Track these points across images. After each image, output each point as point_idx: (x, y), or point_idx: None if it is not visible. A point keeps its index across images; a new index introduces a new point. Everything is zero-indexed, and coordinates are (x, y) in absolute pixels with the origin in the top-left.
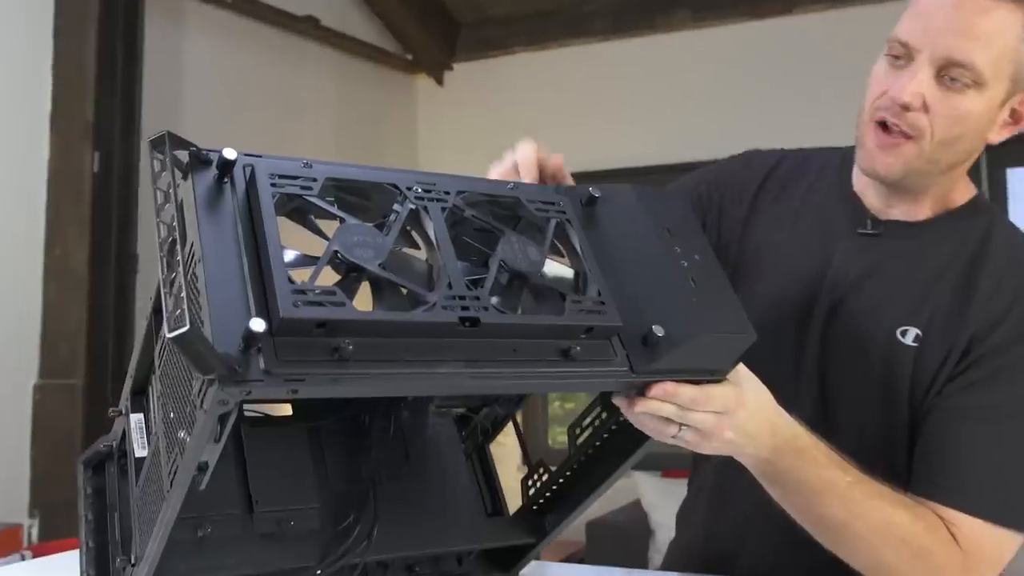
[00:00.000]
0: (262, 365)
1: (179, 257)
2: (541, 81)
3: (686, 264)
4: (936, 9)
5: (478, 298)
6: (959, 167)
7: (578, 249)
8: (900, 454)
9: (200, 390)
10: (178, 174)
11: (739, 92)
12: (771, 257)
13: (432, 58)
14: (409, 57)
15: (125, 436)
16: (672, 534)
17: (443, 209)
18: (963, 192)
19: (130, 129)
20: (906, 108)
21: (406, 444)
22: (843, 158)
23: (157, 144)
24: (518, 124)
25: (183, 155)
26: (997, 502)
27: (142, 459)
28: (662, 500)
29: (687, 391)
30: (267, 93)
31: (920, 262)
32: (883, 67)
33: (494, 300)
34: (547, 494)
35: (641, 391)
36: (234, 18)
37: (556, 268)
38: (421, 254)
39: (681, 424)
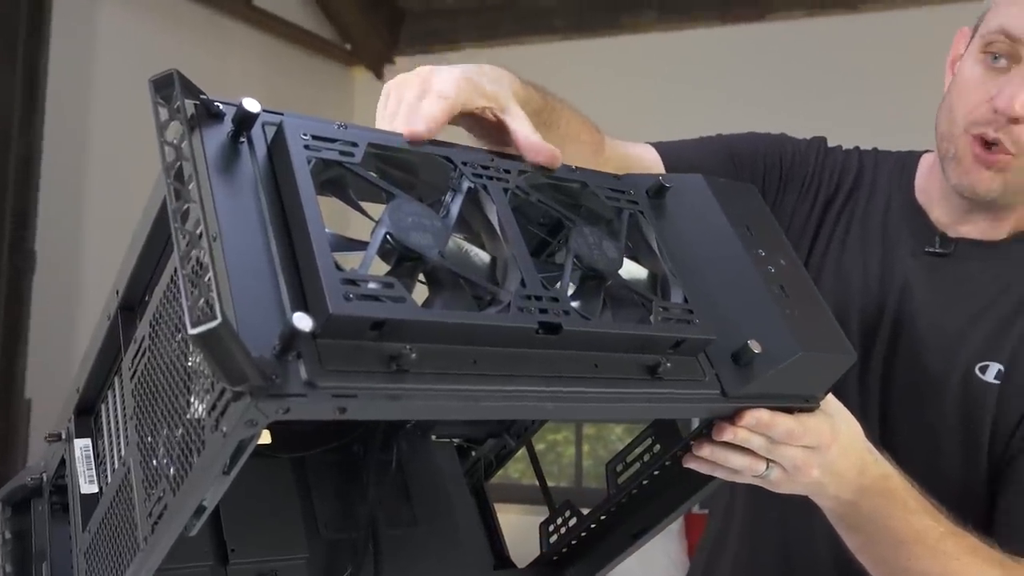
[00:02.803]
0: (304, 375)
1: (200, 230)
2: None
3: (773, 270)
4: None
5: (557, 300)
6: None
7: (654, 247)
8: (977, 504)
9: (216, 406)
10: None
11: (705, 98)
12: (832, 268)
13: (372, 49)
14: (348, 47)
15: (64, 466)
16: None
17: (505, 190)
18: None
19: (32, 109)
20: (1016, 121)
21: (406, 481)
22: (904, 164)
23: (162, 86)
24: None
25: (188, 105)
26: None
27: (91, 496)
28: None
29: (784, 421)
30: (189, 76)
31: (998, 289)
32: (977, 69)
33: (574, 304)
34: (573, 542)
35: (727, 418)
36: None
37: (628, 267)
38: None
39: (769, 461)
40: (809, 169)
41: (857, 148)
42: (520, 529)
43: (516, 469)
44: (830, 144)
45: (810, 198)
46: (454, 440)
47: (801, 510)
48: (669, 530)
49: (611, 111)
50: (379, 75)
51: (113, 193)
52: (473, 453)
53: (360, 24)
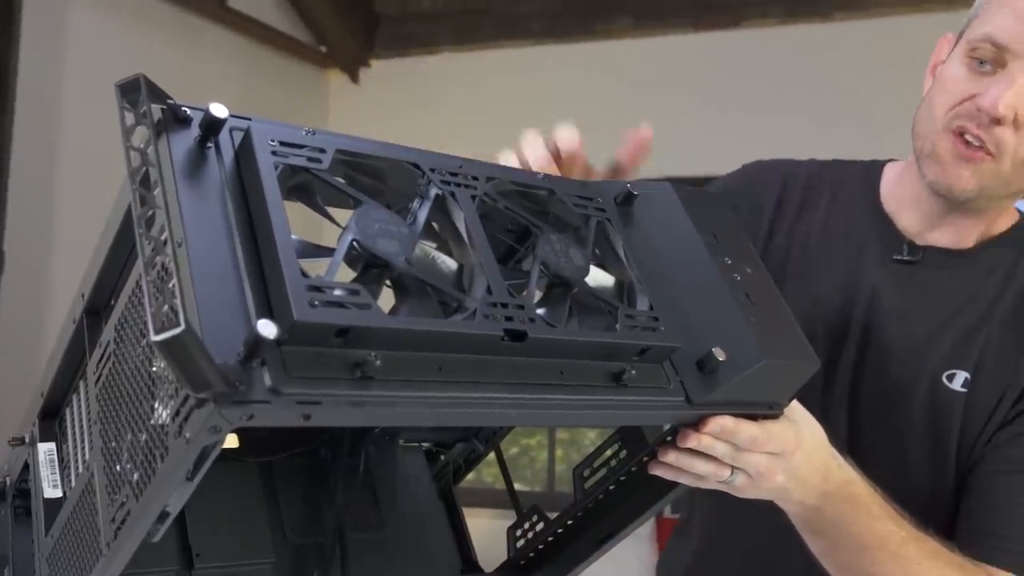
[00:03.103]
0: (268, 382)
1: (164, 236)
2: (468, 85)
3: (738, 277)
4: None
5: (522, 307)
6: (1022, 193)
7: (621, 254)
8: (944, 511)
9: (179, 412)
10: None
11: (679, 104)
12: (794, 280)
13: (348, 52)
14: (323, 49)
15: (28, 470)
16: None
17: (472, 197)
18: (1007, 217)
19: (1, 109)
20: (998, 122)
21: (374, 485)
22: (867, 173)
23: (128, 90)
24: (440, 130)
25: (155, 110)
26: None
27: (55, 500)
28: None
29: (748, 428)
30: (161, 77)
31: (966, 297)
32: (962, 70)
33: (539, 311)
34: (540, 547)
35: (691, 425)
36: None
37: (595, 275)
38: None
39: (733, 467)
40: (748, 195)
41: (812, 159)
42: (491, 533)
43: (489, 473)
44: (796, 153)
45: (759, 214)
46: (423, 444)
47: (769, 514)
48: (640, 534)
49: (585, 116)
50: (354, 78)
51: (83, 194)
52: (442, 457)
53: (335, 27)
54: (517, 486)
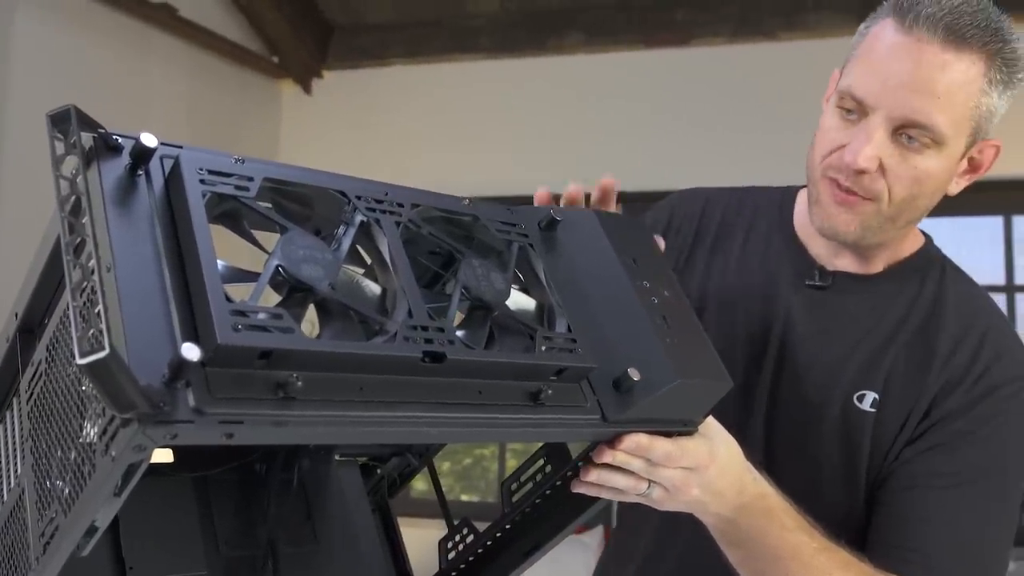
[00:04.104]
0: (192, 403)
1: (92, 263)
2: (419, 97)
3: (656, 300)
4: (893, 64)
5: (442, 330)
6: (916, 221)
7: (542, 278)
8: (858, 526)
9: (106, 431)
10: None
11: (630, 121)
12: (713, 306)
13: (301, 63)
14: (275, 60)
15: None
16: None
17: (397, 224)
18: (913, 241)
19: None
20: (862, 173)
21: (308, 499)
22: (782, 200)
23: (59, 121)
24: (392, 142)
25: (86, 139)
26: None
27: None
28: None
29: (662, 445)
30: (108, 87)
31: (873, 320)
32: (834, 119)
33: (459, 333)
34: (470, 559)
35: (607, 442)
36: None
37: (517, 298)
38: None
39: (651, 482)
40: (669, 228)
41: (732, 188)
42: None
43: (444, 484)
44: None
45: (678, 245)
46: (358, 459)
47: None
48: (588, 544)
49: (537, 130)
50: (307, 89)
51: (27, 206)
52: (378, 471)
53: (288, 37)
54: (470, 497)
